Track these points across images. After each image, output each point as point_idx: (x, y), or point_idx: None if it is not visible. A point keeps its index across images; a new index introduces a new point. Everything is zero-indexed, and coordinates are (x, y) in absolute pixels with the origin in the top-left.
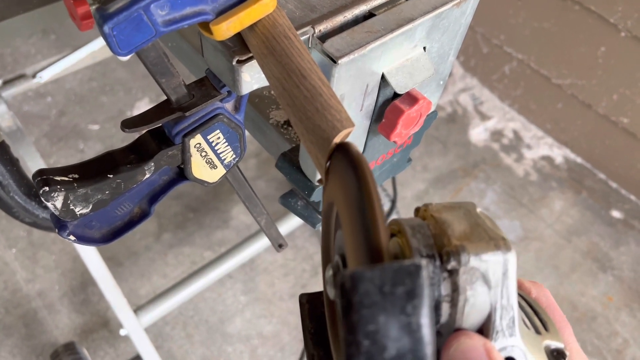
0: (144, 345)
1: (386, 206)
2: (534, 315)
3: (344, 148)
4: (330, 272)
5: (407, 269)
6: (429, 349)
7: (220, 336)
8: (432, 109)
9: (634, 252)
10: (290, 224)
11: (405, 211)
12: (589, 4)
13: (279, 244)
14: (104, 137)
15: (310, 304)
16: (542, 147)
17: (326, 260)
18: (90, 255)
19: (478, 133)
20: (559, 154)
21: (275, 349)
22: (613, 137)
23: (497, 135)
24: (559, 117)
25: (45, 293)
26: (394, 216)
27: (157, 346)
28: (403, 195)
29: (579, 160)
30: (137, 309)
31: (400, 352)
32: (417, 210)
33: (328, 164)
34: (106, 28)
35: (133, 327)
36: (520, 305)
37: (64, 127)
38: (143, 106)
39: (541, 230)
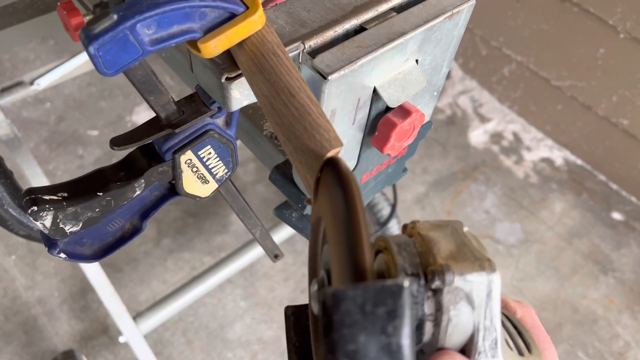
0: (143, 352)
1: (386, 211)
2: (518, 336)
3: (333, 163)
4: (315, 287)
5: (389, 288)
6: None
7: (220, 342)
8: (426, 120)
9: (635, 254)
10: (289, 229)
11: (405, 215)
12: (588, 6)
13: (274, 255)
14: (103, 142)
15: (296, 317)
16: (542, 149)
17: (312, 274)
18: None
19: (478, 135)
20: (559, 155)
21: (276, 355)
22: (613, 138)
23: (496, 137)
24: (559, 118)
25: (45, 300)
26: (394, 220)
27: (157, 352)
28: (403, 199)
29: (579, 162)
30: (137, 316)
31: None
32: (404, 227)
33: (318, 178)
34: (91, 49)
35: (132, 334)
36: (504, 325)
37: (63, 132)
38: (142, 111)
39: (542, 232)
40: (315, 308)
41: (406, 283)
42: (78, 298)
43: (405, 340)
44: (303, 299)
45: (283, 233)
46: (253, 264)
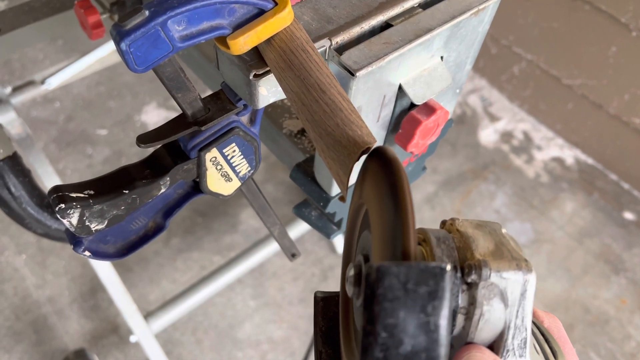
0: (154, 351)
1: None
2: (545, 342)
3: (381, 152)
4: (351, 272)
5: (432, 270)
6: (443, 350)
7: (230, 341)
8: (448, 117)
9: None
10: (300, 228)
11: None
12: (599, 4)
13: (292, 254)
14: (112, 141)
15: (325, 303)
16: (553, 148)
17: (347, 259)
18: (99, 261)
19: (487, 134)
20: (569, 155)
21: (285, 354)
22: (625, 137)
23: (506, 136)
24: (570, 117)
25: (55, 299)
26: None
27: (167, 352)
28: (412, 198)
29: (590, 161)
30: (147, 315)
31: (415, 349)
32: (443, 223)
33: (361, 167)
34: (123, 45)
35: (143, 333)
36: (532, 331)
37: (72, 132)
38: (151, 110)
39: (552, 232)
40: (350, 291)
41: (449, 267)
42: (88, 297)
43: (443, 320)
44: (312, 299)
45: (293, 233)
46: (262, 264)
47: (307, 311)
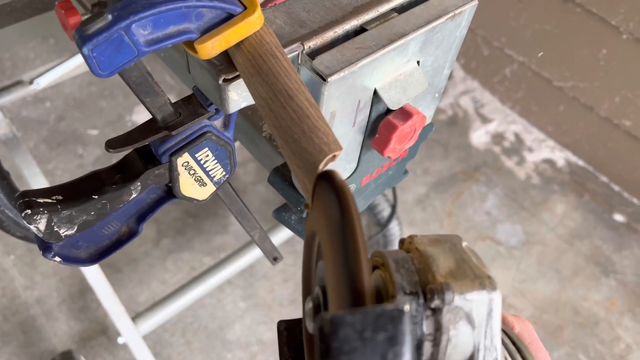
0: (142, 353)
1: (387, 212)
2: (517, 352)
3: (328, 177)
4: (310, 305)
5: (389, 313)
6: None
7: (219, 343)
8: (428, 121)
9: (636, 256)
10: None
11: (406, 216)
12: (591, 6)
13: (273, 257)
14: (103, 142)
15: (289, 332)
16: (544, 150)
17: (306, 290)
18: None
19: (479, 136)
20: (560, 156)
21: (275, 356)
22: (615, 139)
23: (498, 138)
24: (561, 119)
25: (44, 300)
26: (395, 221)
27: (156, 353)
28: (404, 200)
29: (581, 163)
30: (136, 317)
31: None
32: (401, 242)
33: (316, 182)
34: (85, 50)
35: (131, 335)
36: (503, 342)
37: (63, 132)
38: (142, 110)
39: (543, 234)
40: (310, 327)
41: (407, 307)
42: (77, 298)
43: None
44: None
45: (283, 234)
46: (253, 265)
47: (297, 313)
